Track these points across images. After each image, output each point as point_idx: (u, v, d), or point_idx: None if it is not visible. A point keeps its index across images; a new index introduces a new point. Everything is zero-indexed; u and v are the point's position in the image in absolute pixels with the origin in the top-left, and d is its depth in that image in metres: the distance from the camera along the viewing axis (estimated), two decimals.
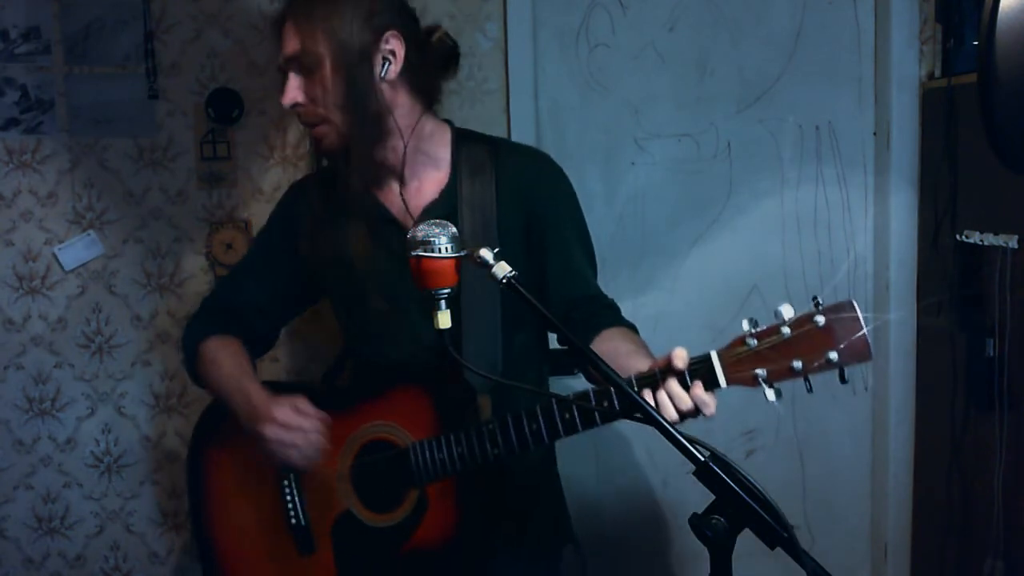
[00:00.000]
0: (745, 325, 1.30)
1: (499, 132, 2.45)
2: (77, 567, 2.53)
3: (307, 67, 1.59)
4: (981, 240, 2.16)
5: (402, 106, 1.65)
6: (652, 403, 1.34)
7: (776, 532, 1.06)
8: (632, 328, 1.69)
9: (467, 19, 2.43)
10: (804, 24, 2.54)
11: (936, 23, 2.43)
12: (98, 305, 2.46)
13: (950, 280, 2.30)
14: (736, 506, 1.08)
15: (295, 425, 1.61)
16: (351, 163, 1.62)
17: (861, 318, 1.25)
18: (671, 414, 1.34)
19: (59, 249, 2.43)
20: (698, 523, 1.09)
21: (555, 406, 1.45)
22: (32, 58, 2.37)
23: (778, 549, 1.07)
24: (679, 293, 2.61)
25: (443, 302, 1.30)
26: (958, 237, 2.25)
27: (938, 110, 2.35)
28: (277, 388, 1.75)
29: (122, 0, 2.36)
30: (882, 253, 2.56)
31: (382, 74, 1.60)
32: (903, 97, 2.47)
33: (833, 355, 1.25)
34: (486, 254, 1.27)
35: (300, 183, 1.87)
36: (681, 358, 1.35)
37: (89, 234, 2.43)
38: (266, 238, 1.88)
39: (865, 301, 2.60)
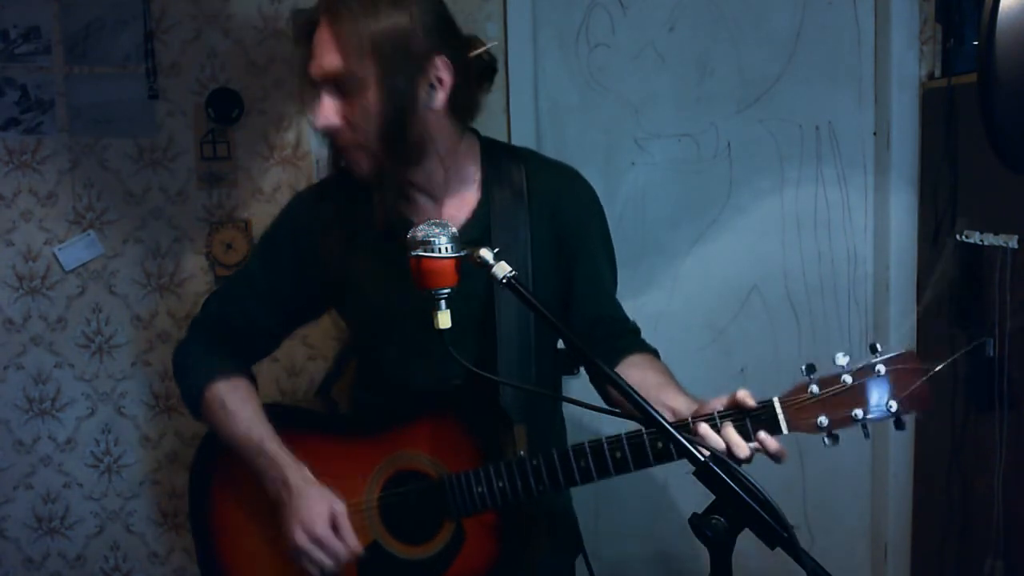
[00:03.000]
0: (804, 371, 1.31)
1: (499, 132, 2.45)
2: (77, 567, 2.53)
3: (347, 89, 1.44)
4: (981, 240, 2.16)
5: (443, 131, 1.53)
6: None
7: (776, 532, 1.06)
8: (655, 354, 1.66)
9: (467, 19, 2.42)
10: (804, 24, 2.54)
11: (936, 23, 2.43)
12: (98, 305, 2.46)
13: (950, 280, 2.30)
14: (736, 506, 1.08)
15: (328, 546, 1.53)
16: (385, 188, 1.50)
17: (922, 367, 1.27)
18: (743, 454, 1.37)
19: (59, 249, 2.43)
20: (698, 523, 1.09)
21: (605, 444, 1.41)
22: (32, 58, 2.37)
23: (778, 549, 1.07)
24: (679, 293, 2.61)
25: (443, 302, 1.30)
26: (958, 237, 2.25)
27: (938, 110, 2.35)
28: (285, 412, 1.70)
29: (122, 0, 2.36)
30: (882, 253, 2.56)
31: (428, 102, 1.47)
32: (903, 97, 2.47)
33: (893, 404, 1.28)
34: (486, 254, 1.27)
35: (308, 195, 1.72)
36: (750, 397, 1.37)
37: (89, 234, 2.43)
38: (269, 253, 1.70)
39: (865, 301, 2.60)
